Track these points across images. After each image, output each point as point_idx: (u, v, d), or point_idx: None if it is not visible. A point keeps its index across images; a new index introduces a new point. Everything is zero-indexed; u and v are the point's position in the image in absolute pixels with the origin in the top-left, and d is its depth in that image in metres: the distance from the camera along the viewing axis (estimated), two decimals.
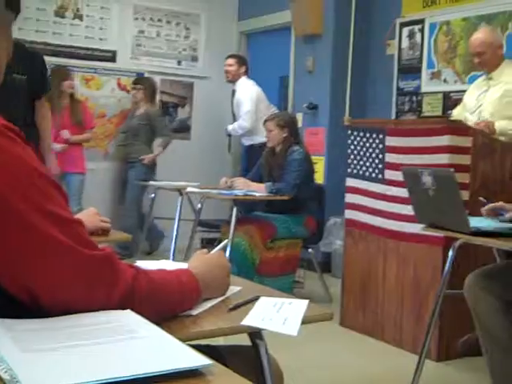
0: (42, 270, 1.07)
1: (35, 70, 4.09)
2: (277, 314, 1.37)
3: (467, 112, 4.25)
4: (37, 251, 1.06)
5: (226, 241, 1.80)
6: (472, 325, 2.96)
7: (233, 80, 6.14)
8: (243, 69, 6.12)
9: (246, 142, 6.18)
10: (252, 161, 5.49)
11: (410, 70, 5.67)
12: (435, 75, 5.47)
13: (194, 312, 1.34)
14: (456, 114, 4.43)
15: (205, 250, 1.55)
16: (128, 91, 6.49)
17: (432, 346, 3.39)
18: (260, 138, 5.59)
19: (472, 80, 5.06)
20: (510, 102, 4.02)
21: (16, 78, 3.90)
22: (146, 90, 6.15)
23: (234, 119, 6.14)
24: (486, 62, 4.16)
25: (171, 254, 4.93)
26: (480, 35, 4.20)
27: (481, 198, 2.87)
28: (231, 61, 6.13)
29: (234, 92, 6.17)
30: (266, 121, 4.85)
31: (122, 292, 1.15)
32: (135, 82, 6.26)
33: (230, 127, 6.13)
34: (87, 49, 6.36)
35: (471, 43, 4.24)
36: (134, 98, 6.22)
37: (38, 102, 4.19)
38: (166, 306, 1.26)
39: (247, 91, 5.98)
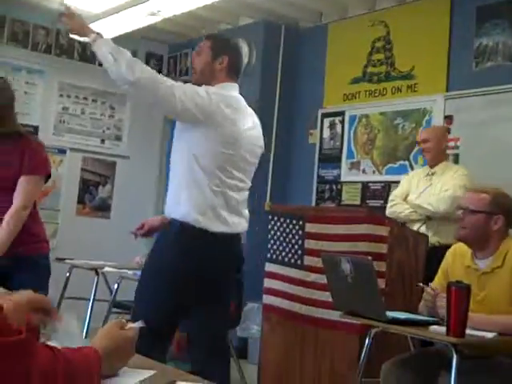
0: None
1: None
2: None
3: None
4: None
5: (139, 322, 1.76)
6: None
7: None
8: None
9: None
10: None
11: (331, 159, 5.82)
12: (354, 165, 5.63)
13: None
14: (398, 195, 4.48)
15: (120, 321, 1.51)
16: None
17: None
18: None
19: (390, 171, 5.27)
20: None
21: None
22: None
23: None
24: (428, 150, 4.36)
25: (83, 336, 4.73)
26: (429, 127, 4.76)
27: (419, 284, 2.91)
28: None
29: None
30: None
31: (38, 378, 1.10)
32: None
33: None
34: None
35: (420, 133, 4.69)
36: None
37: None
38: None
39: None
